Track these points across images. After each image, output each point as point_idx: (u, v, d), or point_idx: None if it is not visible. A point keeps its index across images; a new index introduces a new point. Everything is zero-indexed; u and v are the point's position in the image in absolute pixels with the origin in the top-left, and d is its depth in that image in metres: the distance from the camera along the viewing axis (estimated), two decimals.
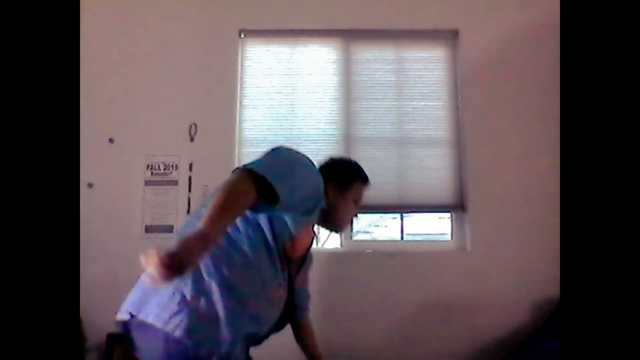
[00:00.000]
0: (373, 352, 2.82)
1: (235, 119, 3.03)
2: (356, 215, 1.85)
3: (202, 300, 1.35)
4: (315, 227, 1.70)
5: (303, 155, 1.58)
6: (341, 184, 1.77)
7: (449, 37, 3.18)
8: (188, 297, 1.35)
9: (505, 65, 3.09)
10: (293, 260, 1.59)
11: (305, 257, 1.73)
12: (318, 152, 3.08)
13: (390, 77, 3.17)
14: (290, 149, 1.57)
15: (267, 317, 1.52)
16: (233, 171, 1.36)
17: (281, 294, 1.55)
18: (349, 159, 1.91)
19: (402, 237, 3.27)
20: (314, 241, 1.71)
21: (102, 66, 3.01)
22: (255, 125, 3.08)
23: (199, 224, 1.18)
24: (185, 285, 1.35)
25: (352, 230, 3.16)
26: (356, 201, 1.80)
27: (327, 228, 1.82)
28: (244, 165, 1.35)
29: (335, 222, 1.77)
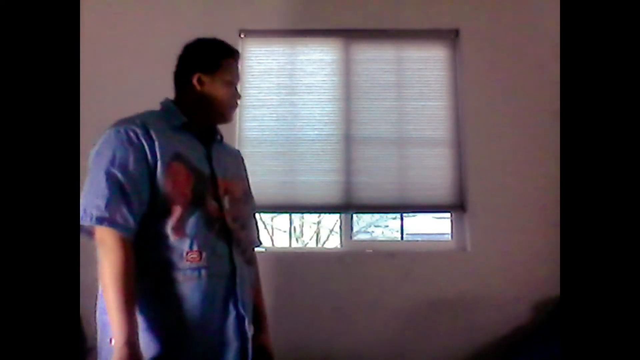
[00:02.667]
0: (373, 352, 2.82)
1: (236, 119, 3.03)
2: (238, 98, 1.64)
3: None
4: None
5: (107, 143, 1.41)
6: (209, 69, 1.58)
7: (449, 37, 3.18)
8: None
9: (505, 65, 3.09)
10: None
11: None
12: (318, 152, 3.09)
13: (390, 77, 3.17)
14: (97, 156, 1.41)
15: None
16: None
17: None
18: (207, 38, 1.67)
19: (402, 237, 3.27)
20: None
21: (102, 66, 3.01)
22: (255, 125, 3.08)
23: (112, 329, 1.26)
24: None
25: (352, 230, 3.17)
26: (230, 81, 1.60)
27: (214, 122, 1.62)
28: (92, 219, 1.31)
29: (216, 113, 1.59)
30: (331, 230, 5.02)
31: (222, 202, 1.49)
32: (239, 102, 1.65)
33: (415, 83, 3.16)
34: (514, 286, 2.89)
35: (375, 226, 3.83)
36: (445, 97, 3.15)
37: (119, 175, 1.35)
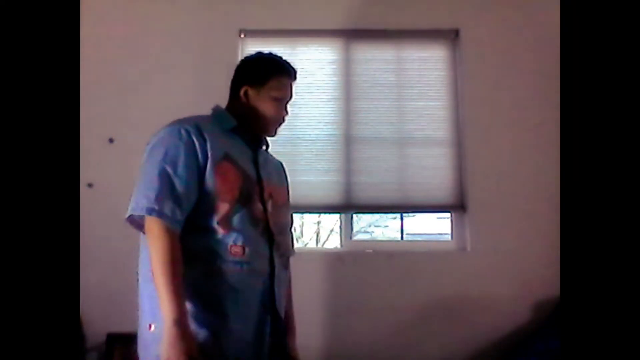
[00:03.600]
0: (373, 352, 2.82)
1: None
2: (285, 113, 1.66)
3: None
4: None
5: (166, 134, 1.50)
6: (256, 83, 1.62)
7: (449, 37, 3.18)
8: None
9: (505, 65, 3.09)
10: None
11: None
12: (318, 152, 3.09)
13: (390, 77, 3.17)
14: (151, 151, 1.50)
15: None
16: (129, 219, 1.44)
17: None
18: (267, 53, 1.71)
19: (402, 237, 3.27)
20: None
21: (102, 66, 3.01)
22: None
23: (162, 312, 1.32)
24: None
25: (352, 230, 3.17)
26: (278, 98, 1.62)
27: (258, 133, 1.66)
28: (142, 209, 1.39)
29: (258, 126, 1.63)
30: (331, 230, 5.02)
31: (266, 205, 1.54)
32: (285, 119, 1.68)
33: (415, 83, 3.17)
34: (514, 286, 2.89)
35: (375, 226, 3.83)
36: (445, 97, 3.15)
37: (170, 170, 1.42)
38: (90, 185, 2.93)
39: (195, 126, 1.50)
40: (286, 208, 1.68)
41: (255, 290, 1.48)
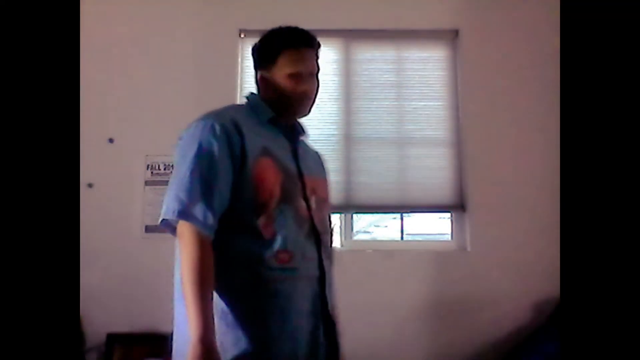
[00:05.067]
0: (372, 352, 2.82)
1: None
2: (309, 88, 1.51)
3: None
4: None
5: (197, 132, 1.36)
6: (267, 65, 1.49)
7: (449, 37, 3.18)
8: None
9: (505, 65, 3.09)
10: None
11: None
12: None
13: (390, 77, 3.17)
14: (183, 147, 1.37)
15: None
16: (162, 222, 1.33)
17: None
18: (275, 28, 1.54)
19: (402, 237, 3.27)
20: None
21: (102, 66, 3.01)
22: None
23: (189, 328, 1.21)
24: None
25: (352, 229, 3.16)
26: (293, 73, 1.46)
27: (290, 118, 1.53)
28: (173, 213, 1.28)
29: (285, 108, 1.49)
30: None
31: (310, 202, 1.43)
32: (312, 94, 1.52)
33: (415, 83, 3.17)
34: (514, 286, 2.89)
35: (375, 226, 3.83)
36: (445, 97, 3.15)
37: (203, 170, 1.31)
38: (90, 185, 2.93)
39: (231, 121, 1.37)
40: (328, 203, 1.55)
41: (305, 299, 1.35)
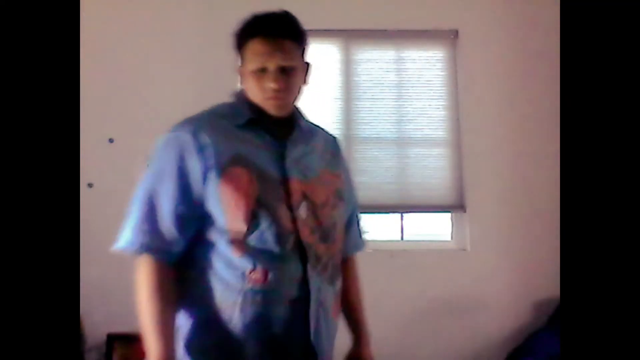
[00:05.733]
0: (373, 352, 2.82)
1: None
2: (273, 87, 1.25)
3: None
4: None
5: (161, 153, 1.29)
6: (240, 56, 1.32)
7: (449, 37, 3.18)
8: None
9: (505, 65, 3.09)
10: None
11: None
12: None
13: (390, 77, 3.18)
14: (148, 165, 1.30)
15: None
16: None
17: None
18: (250, 16, 1.34)
19: (402, 237, 3.27)
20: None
21: (102, 66, 3.01)
22: None
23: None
24: None
25: None
26: (257, 70, 1.25)
27: (271, 116, 1.32)
28: (126, 244, 1.24)
29: (260, 110, 1.30)
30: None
31: (297, 212, 1.25)
32: (283, 93, 1.28)
33: (415, 83, 3.17)
34: (514, 286, 2.89)
35: (375, 226, 3.82)
36: (445, 97, 3.15)
37: (157, 194, 1.22)
38: (90, 185, 2.93)
39: (192, 132, 1.24)
40: (334, 203, 1.35)
41: (283, 324, 1.21)
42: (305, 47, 1.37)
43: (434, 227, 3.39)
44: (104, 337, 2.74)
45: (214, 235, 1.22)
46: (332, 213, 1.33)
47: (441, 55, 3.20)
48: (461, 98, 3.11)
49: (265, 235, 1.20)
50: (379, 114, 3.13)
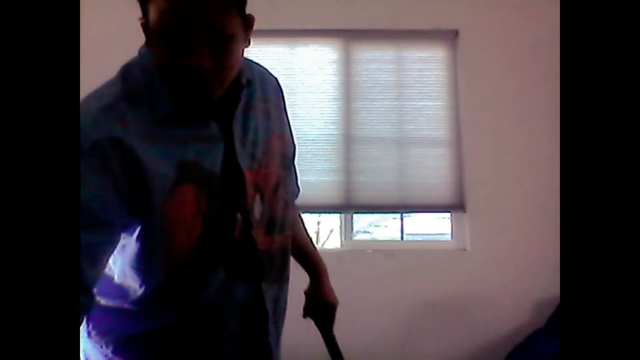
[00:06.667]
0: (372, 352, 2.82)
1: None
2: (192, 60, 0.88)
3: None
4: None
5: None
6: (142, 13, 0.95)
7: (449, 37, 3.18)
8: None
9: (505, 65, 3.09)
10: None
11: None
12: (318, 152, 3.09)
13: (390, 77, 3.17)
14: None
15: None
16: None
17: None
18: None
19: (402, 237, 3.28)
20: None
21: (103, 66, 3.01)
22: None
23: None
24: None
25: (352, 229, 3.17)
26: (164, 31, 0.90)
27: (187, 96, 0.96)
28: None
29: (180, 93, 0.94)
30: (331, 230, 5.03)
31: (252, 215, 1.02)
32: (207, 67, 0.88)
33: (415, 83, 3.17)
34: (514, 286, 2.89)
35: (375, 226, 3.83)
36: (445, 97, 3.15)
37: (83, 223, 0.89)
38: None
39: (114, 138, 0.88)
40: (284, 175, 1.11)
41: (233, 348, 1.04)
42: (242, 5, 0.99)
43: (434, 227, 3.40)
44: None
45: (137, 273, 0.97)
46: (284, 192, 1.11)
47: (441, 55, 3.20)
48: (461, 98, 3.11)
49: (210, 260, 0.98)
50: (378, 114, 3.13)
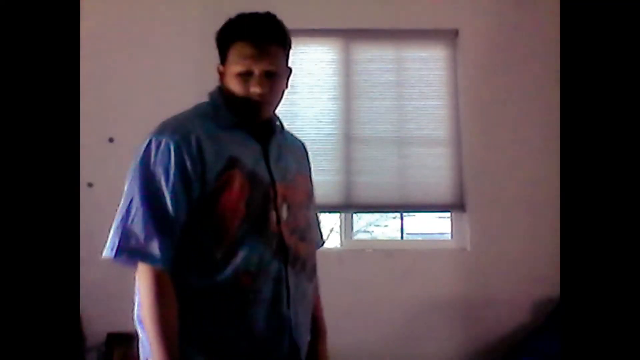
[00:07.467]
0: (372, 352, 2.82)
1: None
2: (259, 91, 1.26)
3: None
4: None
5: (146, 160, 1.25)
6: (222, 59, 1.32)
7: (449, 37, 3.18)
8: None
9: (505, 65, 3.09)
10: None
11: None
12: (318, 152, 3.08)
13: (390, 77, 3.17)
14: (134, 171, 1.26)
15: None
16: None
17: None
18: (234, 16, 1.36)
19: (402, 237, 3.27)
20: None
21: (102, 66, 3.01)
22: None
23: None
24: None
25: (352, 229, 3.17)
26: (242, 72, 1.26)
27: (246, 117, 1.32)
28: (123, 252, 1.21)
29: (241, 112, 1.31)
30: (331, 230, 5.03)
31: (280, 213, 1.29)
32: (267, 98, 1.29)
33: (415, 83, 3.17)
34: (514, 286, 2.89)
35: (375, 226, 3.83)
36: (445, 97, 3.15)
37: (155, 199, 1.20)
38: (90, 185, 2.93)
39: (185, 137, 1.23)
40: (307, 204, 1.41)
41: (269, 322, 1.26)
42: (289, 51, 1.38)
43: (434, 227, 3.40)
44: (104, 337, 2.74)
45: (209, 244, 1.23)
46: (306, 214, 1.39)
47: (441, 55, 3.20)
48: (461, 98, 3.11)
49: (254, 239, 1.24)
50: (378, 113, 3.13)
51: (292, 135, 1.50)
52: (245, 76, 1.26)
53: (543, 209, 2.88)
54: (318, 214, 1.58)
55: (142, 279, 1.21)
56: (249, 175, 1.26)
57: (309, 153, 1.54)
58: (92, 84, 2.95)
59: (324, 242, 1.61)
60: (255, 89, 1.26)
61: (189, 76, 3.06)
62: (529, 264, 2.89)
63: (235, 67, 1.27)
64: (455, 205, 3.07)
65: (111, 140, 2.99)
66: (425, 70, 3.18)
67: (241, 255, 1.22)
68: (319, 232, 1.57)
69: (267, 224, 1.26)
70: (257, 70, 1.26)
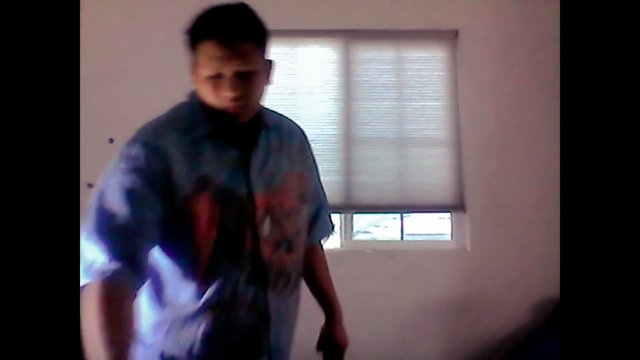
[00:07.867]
0: (372, 352, 2.82)
1: None
2: (231, 95, 1.13)
3: None
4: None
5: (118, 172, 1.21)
6: (192, 61, 1.18)
7: (449, 37, 3.18)
8: None
9: (505, 65, 3.09)
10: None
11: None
12: (318, 152, 3.08)
13: (390, 77, 3.18)
14: (103, 181, 1.24)
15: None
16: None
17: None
18: (197, 14, 1.17)
19: (402, 237, 3.28)
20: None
21: (102, 66, 3.01)
22: None
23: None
24: None
25: (352, 230, 3.17)
26: (210, 73, 1.12)
27: (222, 127, 1.21)
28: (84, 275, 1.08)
29: (214, 116, 1.19)
30: None
31: (259, 230, 1.20)
32: (242, 101, 1.16)
33: (415, 83, 3.17)
34: (514, 286, 2.89)
35: (375, 226, 3.83)
36: (445, 97, 3.15)
37: (123, 214, 1.11)
38: (90, 185, 2.91)
39: (152, 151, 1.14)
40: (299, 208, 1.30)
41: (243, 349, 1.21)
42: (266, 45, 1.23)
43: (434, 227, 3.40)
44: None
45: (180, 263, 1.17)
46: (296, 220, 1.29)
47: (441, 55, 3.20)
48: (461, 98, 3.11)
49: (226, 264, 1.17)
50: (378, 114, 3.13)
51: (289, 124, 1.37)
52: (216, 79, 1.13)
53: (543, 209, 2.88)
54: (326, 206, 1.49)
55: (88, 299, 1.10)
56: (221, 194, 1.16)
57: (309, 141, 1.44)
58: (92, 84, 2.95)
59: (333, 227, 1.53)
60: (227, 93, 1.13)
61: (189, 77, 3.06)
62: (529, 264, 2.89)
63: (203, 70, 1.13)
64: (455, 206, 3.07)
65: (111, 140, 2.99)
66: (425, 71, 3.18)
67: (214, 287, 1.16)
68: (327, 221, 1.49)
69: (243, 245, 1.18)
70: (227, 72, 1.12)
